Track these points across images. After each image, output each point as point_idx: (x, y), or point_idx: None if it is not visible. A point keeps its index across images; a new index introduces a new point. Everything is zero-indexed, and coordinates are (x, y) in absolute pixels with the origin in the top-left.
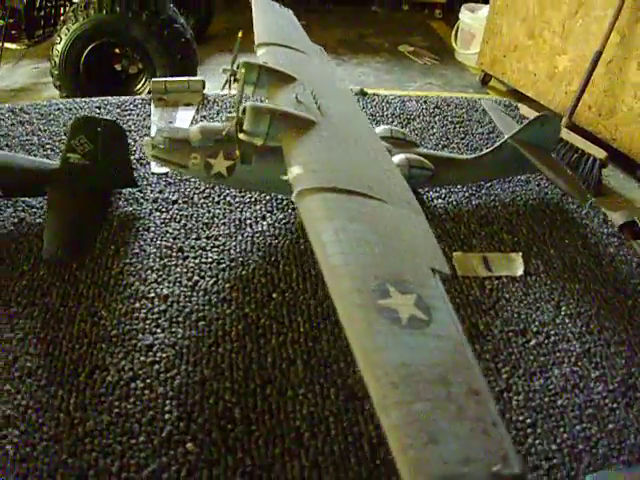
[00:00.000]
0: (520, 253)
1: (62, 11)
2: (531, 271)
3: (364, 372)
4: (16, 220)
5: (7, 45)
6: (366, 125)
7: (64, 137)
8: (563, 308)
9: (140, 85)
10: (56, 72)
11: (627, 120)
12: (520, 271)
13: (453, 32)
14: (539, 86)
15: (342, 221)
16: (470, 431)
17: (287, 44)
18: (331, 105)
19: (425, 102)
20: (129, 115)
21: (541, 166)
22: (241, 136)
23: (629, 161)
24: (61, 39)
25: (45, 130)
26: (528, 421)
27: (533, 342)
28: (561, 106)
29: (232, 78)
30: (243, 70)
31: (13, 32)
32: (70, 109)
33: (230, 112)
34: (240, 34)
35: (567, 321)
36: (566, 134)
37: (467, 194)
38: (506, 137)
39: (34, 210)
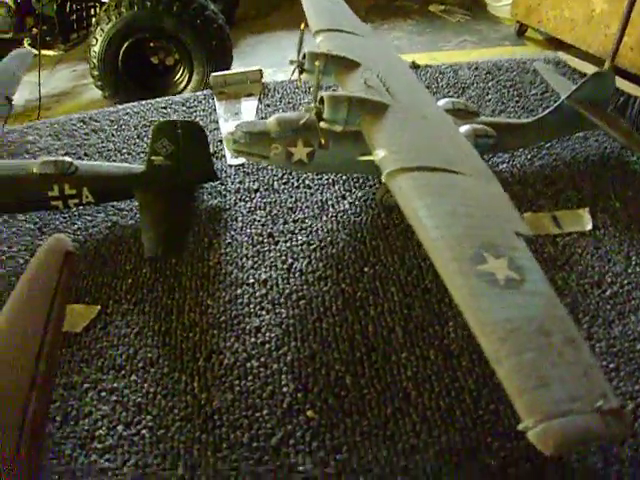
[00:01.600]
0: (587, 208)
1: (93, 12)
2: (599, 225)
3: (475, 331)
4: (109, 224)
5: (44, 52)
6: (431, 100)
7: (138, 140)
8: (633, 258)
9: (179, 75)
10: (96, 73)
11: None
12: (589, 226)
13: None
14: (577, 31)
15: (432, 197)
16: (572, 374)
17: (341, 28)
18: (397, 85)
19: (477, 69)
20: (195, 111)
21: (599, 122)
22: (321, 124)
23: None
24: (97, 40)
25: (119, 135)
26: (611, 366)
27: (608, 292)
28: (602, 50)
29: (299, 69)
30: (317, 63)
31: (48, 39)
32: (138, 112)
33: (308, 102)
34: (303, 26)
35: (638, 270)
36: None
37: (529, 156)
38: (563, 98)
39: (125, 213)
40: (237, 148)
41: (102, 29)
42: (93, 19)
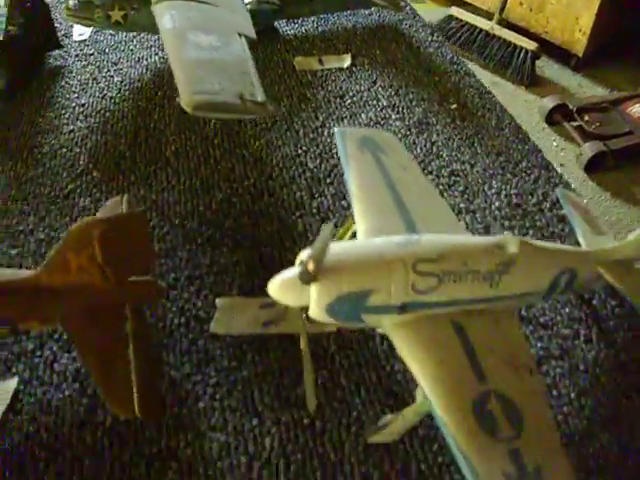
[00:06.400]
0: (350, 53)
1: None
2: (357, 64)
3: None
4: None
5: None
6: None
7: None
8: (378, 82)
9: None
10: None
11: (556, 12)
12: (347, 63)
13: None
14: None
15: None
16: None
17: None
18: None
19: None
20: None
21: None
22: None
23: (562, 51)
24: None
25: None
26: None
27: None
28: (494, 6)
29: None
30: None
31: None
32: None
33: None
34: None
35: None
36: (498, 30)
37: (315, 24)
38: None
39: None
40: (71, 14)
41: None
42: None
